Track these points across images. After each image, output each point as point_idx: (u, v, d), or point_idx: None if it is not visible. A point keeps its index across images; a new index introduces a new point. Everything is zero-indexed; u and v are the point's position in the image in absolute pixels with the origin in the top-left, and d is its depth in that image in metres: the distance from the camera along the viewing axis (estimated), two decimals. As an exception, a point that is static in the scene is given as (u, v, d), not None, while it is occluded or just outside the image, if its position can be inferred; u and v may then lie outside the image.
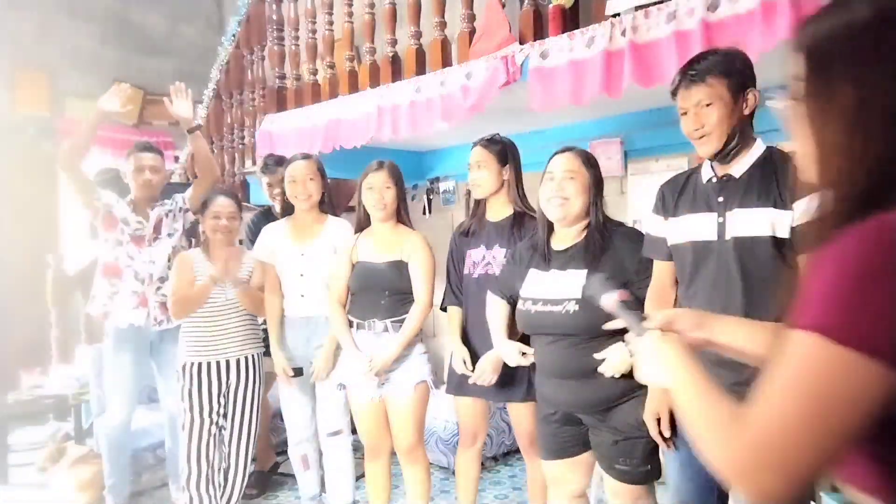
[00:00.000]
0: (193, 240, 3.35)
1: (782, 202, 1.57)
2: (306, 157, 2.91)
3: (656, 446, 1.96)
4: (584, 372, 1.92)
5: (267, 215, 3.47)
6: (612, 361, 1.86)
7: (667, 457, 1.86)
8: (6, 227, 5.12)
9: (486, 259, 2.44)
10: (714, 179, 1.71)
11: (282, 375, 2.85)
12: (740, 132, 1.64)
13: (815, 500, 2.21)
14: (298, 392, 2.90)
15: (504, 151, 2.47)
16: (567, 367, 1.95)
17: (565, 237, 2.05)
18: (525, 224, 2.42)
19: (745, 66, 1.65)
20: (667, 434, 1.78)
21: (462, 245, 2.58)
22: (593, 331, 1.88)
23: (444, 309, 2.64)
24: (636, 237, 2.01)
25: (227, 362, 2.78)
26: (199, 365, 2.76)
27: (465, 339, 2.50)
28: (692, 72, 1.64)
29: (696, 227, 1.71)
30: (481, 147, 2.48)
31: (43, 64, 5.42)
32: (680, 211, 1.77)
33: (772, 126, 2.82)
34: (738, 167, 1.67)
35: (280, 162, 3.35)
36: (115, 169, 3.95)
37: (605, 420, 1.96)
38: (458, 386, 2.48)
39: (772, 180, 1.61)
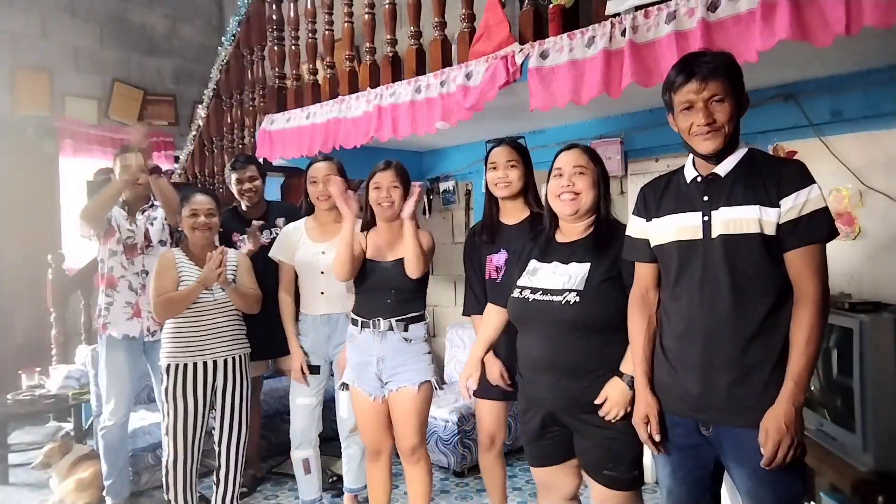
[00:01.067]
0: None
1: (769, 199, 1.57)
2: (327, 158, 2.94)
3: (641, 451, 1.95)
4: (576, 368, 1.90)
5: (234, 214, 3.40)
6: (612, 398, 1.85)
7: (657, 461, 1.83)
8: (6, 227, 5.13)
9: None
10: (699, 179, 1.69)
11: (297, 373, 2.85)
12: (735, 132, 1.65)
13: (815, 500, 2.21)
14: (310, 394, 2.90)
15: (527, 152, 2.49)
16: (558, 362, 1.92)
17: (571, 232, 2.03)
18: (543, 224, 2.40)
19: (739, 74, 1.66)
20: (657, 438, 1.75)
21: (480, 250, 2.54)
22: (592, 325, 1.88)
23: (466, 314, 2.63)
24: None
25: (215, 363, 2.73)
26: (185, 366, 2.70)
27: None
28: (707, 65, 1.61)
29: (680, 226, 1.69)
30: (510, 147, 2.46)
31: (43, 64, 5.42)
32: (663, 211, 1.75)
33: (770, 126, 2.84)
34: (724, 167, 1.65)
35: (250, 160, 3.39)
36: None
37: (591, 421, 1.91)
38: (482, 389, 2.42)
39: (757, 178, 1.60)
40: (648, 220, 1.79)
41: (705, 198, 1.66)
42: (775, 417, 1.52)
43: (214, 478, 2.82)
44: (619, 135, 3.47)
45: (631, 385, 1.84)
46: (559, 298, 1.90)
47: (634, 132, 3.44)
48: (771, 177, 1.59)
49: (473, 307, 2.56)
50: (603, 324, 1.89)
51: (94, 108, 5.71)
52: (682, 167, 1.78)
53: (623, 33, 2.31)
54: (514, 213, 2.50)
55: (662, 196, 1.77)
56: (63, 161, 5.44)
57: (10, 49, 5.24)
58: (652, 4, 2.27)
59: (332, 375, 2.97)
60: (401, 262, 2.49)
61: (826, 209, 1.57)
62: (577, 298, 1.88)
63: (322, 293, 2.85)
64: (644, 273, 1.82)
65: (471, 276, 2.59)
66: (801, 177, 1.57)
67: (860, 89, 2.64)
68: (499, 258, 2.46)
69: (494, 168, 2.46)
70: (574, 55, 2.47)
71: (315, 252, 2.84)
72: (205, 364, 2.72)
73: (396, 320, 2.49)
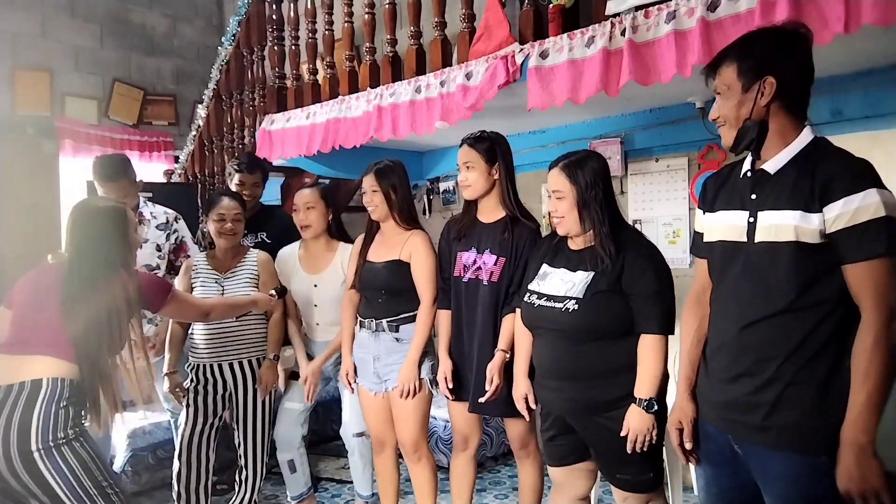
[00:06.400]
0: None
1: (813, 203, 1.40)
2: (311, 185, 2.94)
3: (658, 452, 1.94)
4: (580, 373, 1.90)
5: None
6: (634, 427, 1.83)
7: (695, 473, 1.77)
8: (6, 227, 5.12)
9: (478, 263, 2.35)
10: (749, 174, 1.54)
11: (302, 382, 2.81)
12: (760, 123, 1.48)
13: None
14: (298, 400, 2.89)
15: (493, 149, 2.32)
16: (562, 367, 1.93)
17: (578, 241, 2.01)
18: (518, 228, 2.31)
19: (766, 51, 1.46)
20: (688, 446, 1.66)
21: (453, 245, 2.47)
22: (591, 333, 1.88)
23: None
24: (646, 251, 1.94)
25: (231, 365, 2.71)
26: (204, 366, 2.71)
27: (449, 344, 2.45)
28: (719, 55, 1.54)
29: (728, 225, 1.56)
30: (468, 146, 2.33)
31: (43, 64, 5.42)
32: (718, 206, 1.61)
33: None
34: (774, 163, 1.49)
35: (258, 164, 3.27)
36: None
37: (600, 426, 1.91)
38: (455, 391, 2.42)
39: (808, 177, 1.42)
40: (704, 213, 1.67)
41: (753, 196, 1.51)
42: (839, 476, 1.36)
43: (237, 479, 2.80)
44: (619, 135, 3.47)
45: (647, 408, 1.83)
46: (560, 305, 1.91)
47: (634, 132, 3.44)
48: (822, 176, 1.41)
49: (439, 302, 2.48)
50: (601, 331, 1.88)
51: (94, 108, 5.71)
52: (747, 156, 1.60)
53: (623, 33, 2.32)
54: (488, 213, 2.40)
55: (721, 188, 1.63)
56: (63, 161, 5.43)
57: (10, 49, 5.24)
58: (652, 4, 2.28)
59: (332, 379, 2.98)
60: (391, 263, 2.51)
61: (887, 219, 1.36)
62: (576, 306, 1.87)
63: (318, 324, 2.87)
64: (701, 271, 1.69)
65: (442, 267, 2.49)
66: (855, 179, 1.38)
67: (860, 89, 2.64)
68: (468, 257, 2.38)
69: (459, 169, 2.39)
70: (573, 55, 2.47)
71: (308, 285, 2.84)
72: (220, 366, 2.70)
73: (388, 321, 2.51)
